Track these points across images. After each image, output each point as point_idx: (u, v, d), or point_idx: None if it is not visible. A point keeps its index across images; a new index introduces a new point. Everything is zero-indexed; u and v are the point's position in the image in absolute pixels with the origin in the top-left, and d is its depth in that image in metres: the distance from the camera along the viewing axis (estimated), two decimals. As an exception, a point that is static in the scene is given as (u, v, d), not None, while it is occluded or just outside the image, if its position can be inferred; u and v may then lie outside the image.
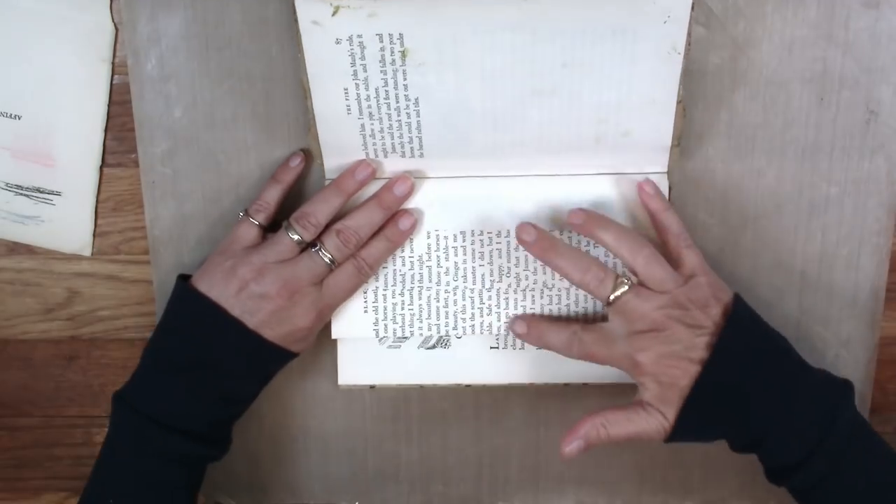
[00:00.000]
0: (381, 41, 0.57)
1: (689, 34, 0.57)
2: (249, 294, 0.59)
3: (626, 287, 0.58)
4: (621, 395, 0.68)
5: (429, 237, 0.64)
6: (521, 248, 0.63)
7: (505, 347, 0.66)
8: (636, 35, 0.57)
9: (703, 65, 0.62)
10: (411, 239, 0.64)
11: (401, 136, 0.61)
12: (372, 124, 0.61)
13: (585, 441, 0.59)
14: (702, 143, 0.64)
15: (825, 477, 0.56)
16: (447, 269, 0.64)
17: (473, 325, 0.65)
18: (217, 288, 0.60)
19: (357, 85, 0.59)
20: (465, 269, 0.64)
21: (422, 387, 0.68)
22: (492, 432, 0.70)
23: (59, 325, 0.70)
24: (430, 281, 0.64)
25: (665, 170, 0.63)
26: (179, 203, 0.65)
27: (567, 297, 0.64)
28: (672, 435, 0.58)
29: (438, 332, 0.65)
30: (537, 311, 0.64)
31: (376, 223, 0.62)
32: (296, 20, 0.57)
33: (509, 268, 0.64)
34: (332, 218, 0.61)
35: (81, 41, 0.63)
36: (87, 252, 0.68)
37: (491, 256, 0.64)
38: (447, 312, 0.65)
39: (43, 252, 0.68)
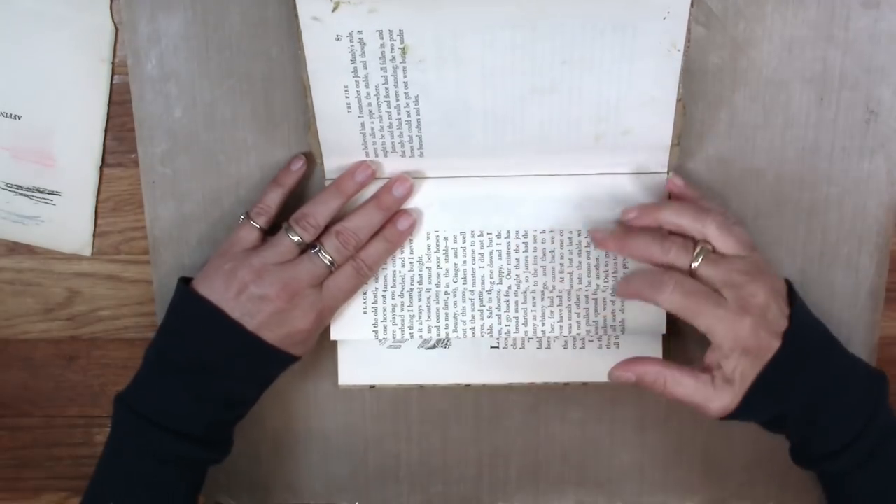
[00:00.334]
0: (382, 37, 0.57)
1: (688, 31, 0.57)
2: (249, 296, 0.59)
3: (706, 253, 0.57)
4: (621, 394, 0.68)
5: (428, 238, 0.64)
6: (520, 249, 0.63)
7: (505, 347, 0.66)
8: (636, 31, 0.57)
9: (703, 64, 0.62)
10: (411, 240, 0.64)
11: (401, 135, 0.61)
12: (372, 122, 0.61)
13: (638, 379, 0.58)
14: (702, 143, 0.64)
15: (862, 463, 0.57)
16: (447, 270, 0.64)
17: (474, 328, 0.64)
18: (217, 291, 0.60)
19: (357, 82, 0.59)
20: (464, 270, 0.64)
21: (421, 387, 0.68)
22: (492, 432, 0.70)
23: (59, 325, 0.70)
24: (430, 282, 0.64)
25: (665, 169, 0.63)
26: (179, 203, 0.65)
27: (568, 299, 0.64)
28: (736, 413, 0.57)
29: (438, 335, 0.65)
30: (538, 313, 0.64)
31: (375, 224, 0.62)
32: (296, 16, 0.57)
33: (509, 269, 0.64)
34: (331, 219, 0.61)
35: (81, 41, 0.63)
36: (87, 252, 0.68)
37: (491, 258, 0.64)
38: (447, 314, 0.64)
39: (43, 252, 0.68)
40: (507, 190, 0.63)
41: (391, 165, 0.63)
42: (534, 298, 0.64)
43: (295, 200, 0.63)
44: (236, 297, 0.59)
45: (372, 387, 0.68)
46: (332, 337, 0.65)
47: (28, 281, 0.69)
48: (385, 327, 0.65)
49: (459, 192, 0.63)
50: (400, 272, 0.64)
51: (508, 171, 0.63)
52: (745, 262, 0.57)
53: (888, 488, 0.58)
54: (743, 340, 0.56)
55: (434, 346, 0.66)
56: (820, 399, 0.57)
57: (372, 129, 0.61)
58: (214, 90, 0.63)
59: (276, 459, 0.70)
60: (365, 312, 0.65)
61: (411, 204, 0.63)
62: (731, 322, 0.56)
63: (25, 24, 0.63)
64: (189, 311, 0.61)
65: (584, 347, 0.66)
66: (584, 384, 0.67)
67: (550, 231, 0.63)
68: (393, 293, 0.64)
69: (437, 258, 0.64)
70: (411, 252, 0.64)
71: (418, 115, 0.60)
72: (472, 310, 0.64)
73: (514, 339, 0.65)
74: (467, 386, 0.68)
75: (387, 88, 0.59)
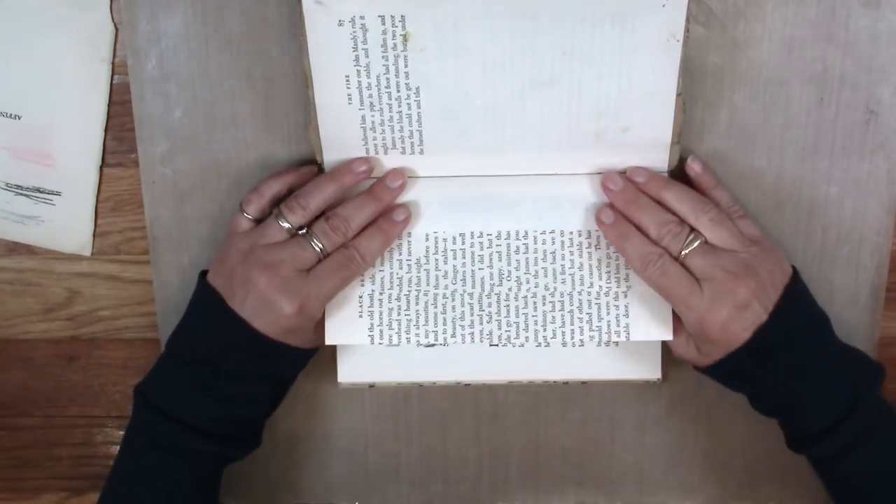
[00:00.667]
0: (384, 23, 0.57)
1: (687, 21, 0.57)
2: (238, 280, 0.58)
3: (698, 243, 0.58)
4: (622, 394, 0.68)
5: (427, 239, 0.63)
6: (521, 250, 0.63)
7: (505, 346, 0.66)
8: (635, 21, 0.57)
9: (703, 64, 0.62)
10: (409, 241, 0.63)
11: (401, 130, 0.61)
12: (373, 116, 0.60)
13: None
14: (702, 143, 0.64)
15: (847, 449, 0.58)
16: (445, 272, 0.63)
17: (473, 333, 0.62)
18: (219, 277, 0.60)
19: (359, 72, 0.59)
20: (463, 272, 0.63)
21: (421, 386, 0.68)
22: (492, 432, 0.70)
23: (59, 325, 0.70)
24: (428, 285, 0.63)
25: (665, 169, 0.63)
26: (179, 203, 0.65)
27: (570, 304, 0.62)
28: (704, 373, 0.61)
29: (435, 340, 0.63)
30: (539, 318, 0.62)
31: (368, 215, 0.61)
32: (299, 2, 0.57)
33: (510, 271, 0.63)
34: (325, 208, 0.61)
35: (81, 41, 0.63)
36: (87, 252, 0.68)
37: (491, 259, 0.63)
38: (444, 319, 0.63)
39: (43, 252, 0.68)
40: (507, 190, 0.63)
41: (391, 163, 0.63)
42: (535, 303, 0.63)
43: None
44: (228, 282, 0.59)
45: (371, 385, 0.68)
46: (327, 342, 0.63)
47: (28, 281, 0.69)
48: (381, 332, 0.63)
49: (459, 191, 0.63)
50: (397, 274, 0.63)
51: (509, 171, 0.63)
52: (735, 258, 0.58)
53: (874, 475, 0.59)
54: (708, 333, 0.58)
55: (433, 344, 0.65)
56: (797, 384, 0.58)
57: (372, 122, 0.61)
58: (214, 90, 0.63)
59: (276, 459, 0.70)
60: (360, 316, 0.63)
61: (411, 203, 0.63)
62: (700, 314, 0.58)
63: (25, 24, 0.63)
64: (198, 300, 0.61)
65: (583, 346, 0.66)
66: (584, 383, 0.67)
67: (551, 231, 0.63)
68: (389, 296, 0.63)
69: (436, 260, 0.63)
70: (409, 254, 0.63)
71: (419, 107, 0.60)
72: (471, 314, 0.63)
73: (514, 337, 0.65)
74: (467, 385, 0.68)
75: (388, 78, 0.59)
